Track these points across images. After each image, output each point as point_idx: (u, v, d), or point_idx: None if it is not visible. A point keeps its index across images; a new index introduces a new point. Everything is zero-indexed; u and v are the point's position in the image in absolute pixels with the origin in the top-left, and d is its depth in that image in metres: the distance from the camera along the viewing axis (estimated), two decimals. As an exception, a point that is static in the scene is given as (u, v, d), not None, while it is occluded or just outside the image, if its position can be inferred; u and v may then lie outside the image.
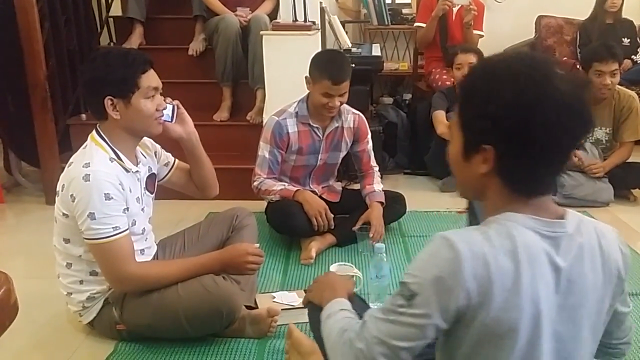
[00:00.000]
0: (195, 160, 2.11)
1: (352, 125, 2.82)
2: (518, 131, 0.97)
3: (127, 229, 1.80)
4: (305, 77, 2.65)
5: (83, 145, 1.88)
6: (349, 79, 2.60)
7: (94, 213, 1.73)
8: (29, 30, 3.15)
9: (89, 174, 1.73)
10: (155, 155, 2.11)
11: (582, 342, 1.05)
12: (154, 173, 2.07)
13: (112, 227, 1.75)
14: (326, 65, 2.58)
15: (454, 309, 0.98)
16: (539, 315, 0.99)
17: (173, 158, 2.18)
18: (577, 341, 1.05)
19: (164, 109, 1.90)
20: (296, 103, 2.75)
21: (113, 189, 1.76)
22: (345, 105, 2.79)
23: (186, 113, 2.03)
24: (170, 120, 1.96)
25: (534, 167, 1.00)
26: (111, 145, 1.85)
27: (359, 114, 2.86)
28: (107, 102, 1.80)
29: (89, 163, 1.76)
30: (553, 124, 0.96)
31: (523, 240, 0.99)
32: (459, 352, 1.04)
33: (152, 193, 2.06)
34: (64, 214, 1.82)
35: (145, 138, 2.05)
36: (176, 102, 2.00)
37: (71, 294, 1.93)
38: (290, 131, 2.71)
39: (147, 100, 1.83)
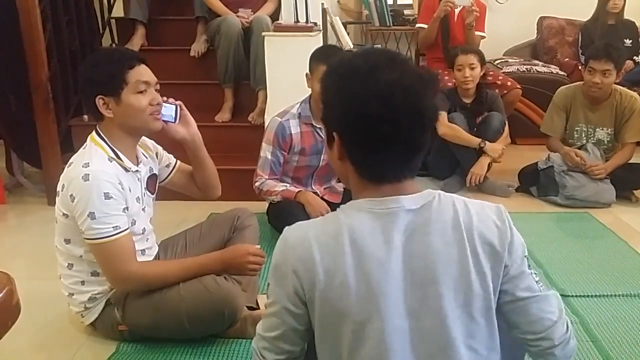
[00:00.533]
0: (198, 161, 2.11)
1: None
2: (346, 119, 1.06)
3: (127, 229, 1.80)
4: (306, 75, 2.66)
5: (83, 146, 1.88)
6: None
7: (93, 212, 1.72)
8: (31, 32, 3.15)
9: (88, 174, 1.74)
10: (157, 157, 2.11)
11: (450, 319, 1.02)
12: (155, 174, 2.07)
13: (113, 227, 1.75)
14: (321, 53, 2.64)
15: (292, 291, 1.07)
16: (373, 292, 1.02)
17: (175, 159, 2.18)
18: (440, 319, 1.03)
19: (158, 103, 1.87)
20: (298, 104, 2.76)
21: (112, 188, 1.76)
22: None
23: (189, 114, 2.03)
24: (173, 121, 1.96)
25: (371, 155, 1.07)
26: (110, 145, 1.85)
27: None
28: (99, 101, 1.80)
29: (88, 163, 1.77)
30: (372, 112, 1.02)
31: (348, 223, 1.06)
32: (316, 340, 1.11)
33: (152, 193, 2.06)
34: (64, 214, 1.82)
35: (146, 139, 2.05)
36: (179, 102, 2.00)
37: (73, 294, 1.94)
38: (292, 132, 2.71)
39: (138, 95, 1.81)
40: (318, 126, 2.74)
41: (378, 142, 1.05)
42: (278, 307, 1.10)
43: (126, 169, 1.86)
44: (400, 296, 1.03)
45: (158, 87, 1.89)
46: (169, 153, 2.18)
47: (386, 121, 1.02)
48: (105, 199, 1.73)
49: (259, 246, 2.01)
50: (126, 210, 1.82)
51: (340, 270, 1.04)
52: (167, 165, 2.15)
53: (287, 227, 1.13)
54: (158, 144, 2.14)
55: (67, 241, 1.88)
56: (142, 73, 1.83)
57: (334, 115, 1.09)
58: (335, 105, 1.08)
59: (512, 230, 1.11)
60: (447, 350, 1.03)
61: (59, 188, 1.83)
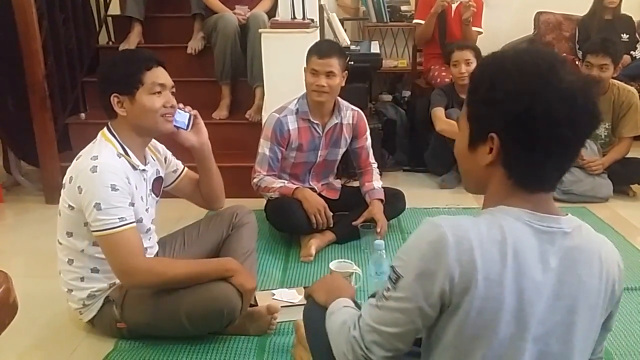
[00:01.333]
0: (205, 170, 2.13)
1: (351, 122, 2.83)
2: (521, 119, 0.97)
3: (133, 222, 1.80)
4: (304, 69, 2.68)
5: (93, 141, 1.91)
6: (339, 61, 2.61)
7: (99, 203, 1.74)
8: (27, 30, 3.15)
9: (96, 166, 1.76)
10: (165, 161, 2.13)
11: (574, 350, 1.03)
12: (160, 176, 2.09)
13: (118, 218, 1.76)
14: (315, 45, 2.68)
15: (438, 293, 0.97)
16: (523, 311, 0.97)
17: (182, 166, 2.21)
18: (568, 347, 1.02)
19: (172, 106, 1.91)
20: (296, 100, 2.76)
21: (119, 181, 1.78)
22: (344, 102, 2.80)
23: (203, 124, 2.07)
24: (185, 127, 2.00)
25: (538, 159, 1.00)
26: (120, 141, 1.88)
27: (357, 111, 2.86)
28: (114, 99, 1.84)
29: (97, 156, 1.79)
30: (556, 114, 0.95)
31: (512, 233, 0.98)
32: (440, 345, 1.02)
33: (157, 196, 2.08)
34: (69, 206, 1.82)
35: (157, 143, 2.08)
36: (194, 112, 2.04)
37: (72, 290, 1.94)
38: (290, 128, 2.71)
39: (153, 96, 1.85)
40: (315, 122, 2.74)
41: (552, 146, 0.98)
42: (410, 305, 0.99)
43: (134, 167, 1.88)
44: (542, 318, 1.00)
45: (174, 90, 1.93)
46: (178, 159, 2.20)
47: (568, 123, 0.96)
48: (111, 190, 1.75)
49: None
50: (132, 206, 1.83)
51: (500, 282, 0.96)
52: (174, 171, 2.17)
53: (438, 220, 1.00)
54: (168, 148, 2.16)
55: (70, 234, 1.88)
56: (159, 75, 1.87)
57: (499, 113, 0.99)
58: (505, 102, 0.98)
59: (623, 274, 1.11)
60: None
61: (65, 180, 1.85)
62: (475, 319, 0.97)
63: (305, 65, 2.67)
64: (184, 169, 2.20)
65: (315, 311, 1.36)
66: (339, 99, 2.78)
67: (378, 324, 1.03)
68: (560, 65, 0.98)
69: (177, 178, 2.17)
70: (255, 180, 2.75)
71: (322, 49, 2.62)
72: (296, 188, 2.70)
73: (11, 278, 1.14)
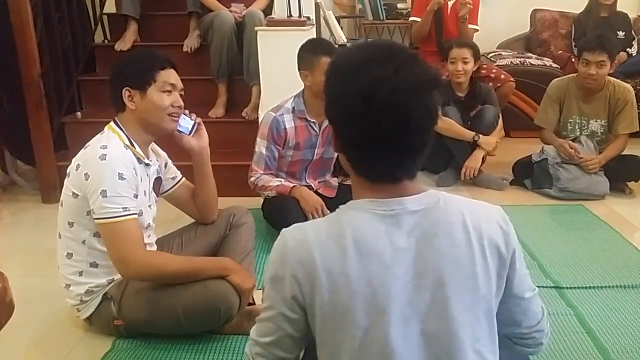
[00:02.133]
0: (201, 176, 2.15)
1: None
2: (334, 113, 1.06)
3: (136, 213, 1.82)
4: (300, 74, 2.65)
5: (100, 132, 1.94)
6: None
7: (105, 190, 1.76)
8: (22, 29, 3.13)
9: (106, 154, 1.80)
10: (165, 167, 2.16)
11: (456, 324, 1.00)
12: (160, 177, 2.11)
13: (122, 207, 1.77)
14: (317, 46, 2.65)
15: (290, 296, 1.03)
16: (377, 295, 0.99)
17: (180, 175, 2.23)
18: (448, 323, 1.00)
19: (179, 106, 1.96)
20: (292, 98, 2.75)
21: (127, 170, 1.81)
22: None
23: (205, 130, 2.12)
24: (187, 133, 2.05)
25: (364, 153, 1.04)
26: (127, 134, 1.92)
27: None
28: (125, 92, 1.89)
29: (106, 145, 1.83)
30: (353, 111, 1.00)
31: (352, 225, 1.02)
32: (318, 347, 1.06)
33: (156, 195, 2.09)
34: (73, 194, 1.84)
35: (159, 148, 2.12)
36: (199, 120, 2.09)
37: (70, 286, 1.94)
38: (287, 126, 2.71)
39: (163, 94, 1.91)
40: (312, 120, 2.74)
41: (364, 142, 1.02)
42: (274, 313, 1.06)
43: (139, 160, 1.91)
44: (407, 299, 1.00)
45: (182, 93, 1.98)
46: (177, 159, 2.22)
47: (367, 120, 0.99)
48: (119, 178, 1.78)
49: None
50: (136, 197, 1.84)
51: (344, 273, 1.00)
52: (172, 178, 2.20)
53: (284, 229, 1.08)
54: (168, 149, 2.19)
55: (71, 224, 1.89)
56: (171, 76, 1.93)
57: (327, 106, 1.07)
58: (326, 96, 1.06)
59: (513, 232, 1.10)
60: (455, 354, 1.01)
61: (71, 168, 1.88)
62: (331, 312, 1.01)
63: (304, 69, 2.63)
64: (181, 178, 2.23)
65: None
66: None
67: (257, 337, 1.11)
68: (378, 60, 1.00)
69: (174, 185, 2.20)
70: (252, 179, 2.75)
71: (329, 48, 2.63)
72: (293, 186, 2.70)
73: (7, 277, 1.14)
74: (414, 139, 1.02)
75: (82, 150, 1.90)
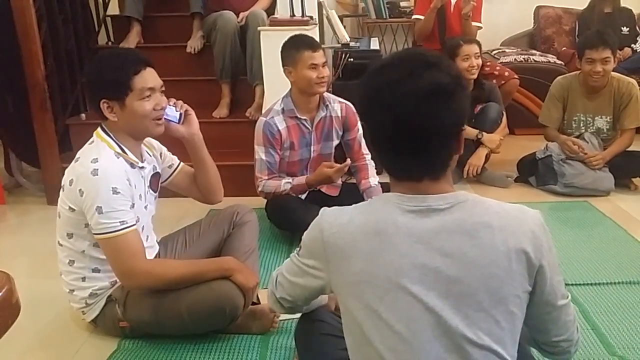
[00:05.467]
0: (198, 162, 2.13)
1: (340, 114, 2.83)
2: (363, 113, 1.16)
3: (134, 225, 1.80)
4: (285, 70, 2.67)
5: (89, 142, 1.90)
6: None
7: (101, 207, 1.74)
8: (26, 31, 3.14)
9: (97, 169, 1.76)
10: (161, 157, 2.13)
11: (472, 319, 1.04)
12: (158, 172, 2.08)
13: (119, 222, 1.76)
14: (297, 41, 2.67)
15: (321, 260, 1.18)
16: (398, 282, 1.05)
17: (178, 161, 2.20)
18: (460, 317, 1.04)
19: (162, 108, 1.90)
20: (280, 100, 2.76)
21: (121, 183, 1.78)
22: (330, 95, 2.81)
23: (194, 116, 2.05)
24: (176, 121, 1.99)
25: (389, 155, 1.14)
26: (116, 140, 1.87)
27: (345, 103, 2.86)
28: (104, 105, 1.82)
29: (97, 158, 1.78)
30: (363, 112, 1.15)
31: (378, 213, 1.11)
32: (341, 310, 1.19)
33: (155, 192, 2.07)
34: (70, 208, 1.82)
35: (151, 139, 2.07)
36: (185, 107, 2.03)
37: (73, 290, 1.94)
38: (280, 128, 2.71)
39: (143, 101, 1.83)
40: (303, 117, 2.74)
41: (377, 141, 1.14)
42: (301, 265, 1.25)
43: (132, 165, 1.88)
44: (422, 291, 1.04)
45: (164, 89, 1.91)
46: (174, 154, 2.19)
47: (372, 121, 1.12)
48: (113, 193, 1.75)
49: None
50: (132, 207, 1.83)
51: (367, 259, 1.09)
52: (170, 166, 2.16)
53: (323, 211, 1.21)
54: (162, 142, 2.15)
55: (70, 235, 1.88)
56: (147, 79, 1.83)
57: (358, 109, 1.18)
58: (357, 108, 1.19)
59: (549, 237, 1.11)
60: (461, 351, 1.04)
61: (64, 182, 1.84)
62: (354, 289, 1.11)
63: (288, 65, 2.65)
64: (179, 163, 2.19)
65: (304, 324, 1.56)
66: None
67: (284, 271, 1.33)
68: (386, 67, 1.11)
69: (172, 173, 2.16)
70: (260, 188, 2.75)
71: (311, 43, 2.66)
72: (306, 177, 2.72)
73: (14, 279, 1.14)
74: (416, 142, 1.08)
75: (72, 162, 1.85)
